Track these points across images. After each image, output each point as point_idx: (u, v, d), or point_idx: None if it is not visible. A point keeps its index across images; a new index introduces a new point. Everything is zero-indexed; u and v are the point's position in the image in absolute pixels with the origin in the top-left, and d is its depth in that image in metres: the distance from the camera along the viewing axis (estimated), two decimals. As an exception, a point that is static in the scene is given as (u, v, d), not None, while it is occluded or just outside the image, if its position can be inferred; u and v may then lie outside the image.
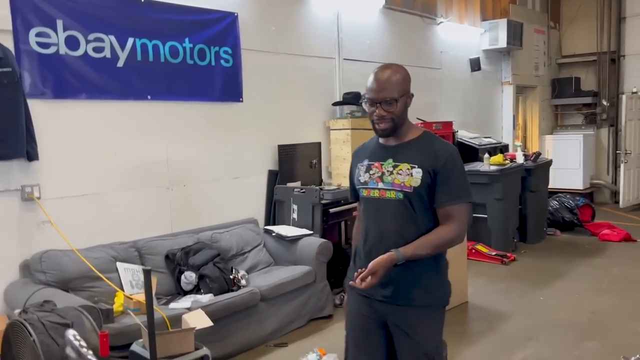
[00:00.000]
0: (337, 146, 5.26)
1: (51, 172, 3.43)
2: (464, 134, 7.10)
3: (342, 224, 4.90)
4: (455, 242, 1.95)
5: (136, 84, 3.87)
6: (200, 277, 3.64)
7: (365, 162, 2.05)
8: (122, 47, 3.79)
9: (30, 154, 3.29)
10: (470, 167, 6.13)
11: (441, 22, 7.01)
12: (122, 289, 3.39)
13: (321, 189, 4.76)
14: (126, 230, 3.78)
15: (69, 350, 2.13)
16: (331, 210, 4.55)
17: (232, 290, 3.65)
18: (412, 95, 1.97)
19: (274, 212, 4.76)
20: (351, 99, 5.31)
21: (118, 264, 3.50)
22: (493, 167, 5.93)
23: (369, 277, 1.81)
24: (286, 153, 4.87)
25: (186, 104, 4.19)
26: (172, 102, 4.09)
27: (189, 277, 3.63)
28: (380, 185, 1.97)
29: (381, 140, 2.04)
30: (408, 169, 1.93)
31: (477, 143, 6.92)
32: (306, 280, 4.02)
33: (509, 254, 5.82)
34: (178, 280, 3.66)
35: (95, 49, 3.65)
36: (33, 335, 2.25)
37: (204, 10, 4.28)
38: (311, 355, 3.32)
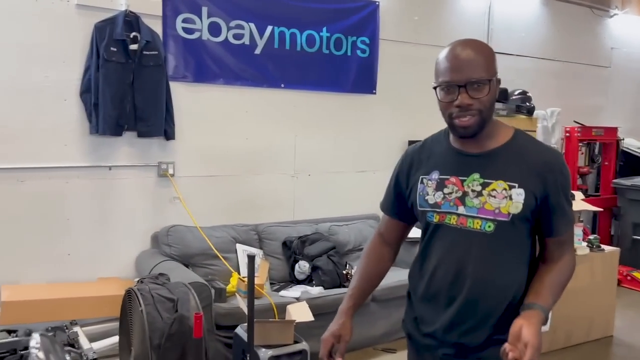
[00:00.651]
0: (475, 146, 4.88)
1: (185, 151, 3.63)
2: (632, 143, 6.18)
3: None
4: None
5: (271, 71, 3.94)
6: (314, 269, 3.61)
7: (435, 176, 1.47)
8: (261, 35, 3.86)
9: (168, 133, 3.50)
10: (636, 181, 5.33)
11: (615, 15, 6.16)
12: (238, 271, 3.48)
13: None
14: (249, 213, 3.88)
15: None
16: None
17: (344, 286, 3.56)
18: (500, 81, 1.42)
19: (399, 210, 4.56)
20: (499, 95, 4.88)
21: (237, 245, 3.61)
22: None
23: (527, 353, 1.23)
24: (418, 150, 4.63)
25: (318, 94, 4.17)
26: (304, 91, 4.10)
27: (302, 267, 3.62)
28: (461, 210, 1.41)
29: (455, 143, 1.47)
30: (505, 189, 1.38)
31: (646, 154, 6.00)
32: (423, 286, 3.78)
33: (674, 287, 4.96)
34: (292, 269, 3.68)
35: (235, 36, 3.77)
36: (142, 305, 2.37)
37: (345, -1, 4.21)
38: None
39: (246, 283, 3.27)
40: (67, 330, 3.07)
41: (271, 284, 3.61)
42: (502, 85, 5.07)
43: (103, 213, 3.40)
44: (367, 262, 1.65)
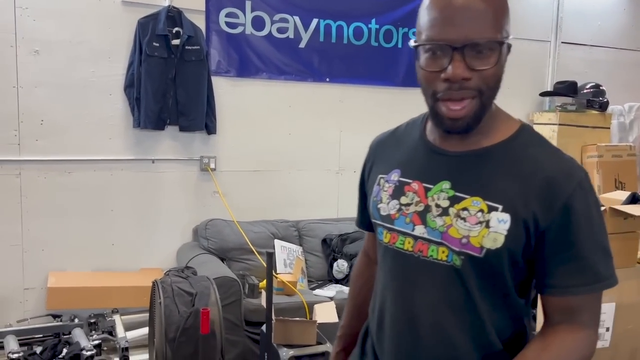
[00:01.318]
0: (539, 144, 4.53)
1: (227, 146, 3.64)
2: None
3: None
4: None
5: (316, 65, 3.86)
6: (352, 267, 3.49)
7: (394, 177, 1.06)
8: (306, 28, 3.79)
9: (210, 128, 3.52)
10: None
11: None
12: (275, 267, 3.44)
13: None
14: (290, 209, 3.83)
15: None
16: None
17: (384, 288, 3.42)
18: (510, 47, 0.97)
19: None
20: (564, 89, 4.51)
21: (276, 241, 3.56)
22: None
23: None
24: (474, 147, 4.38)
25: (365, 88, 4.03)
26: (350, 85, 3.98)
27: (340, 266, 3.51)
28: (420, 230, 0.99)
29: (431, 134, 1.05)
30: (482, 210, 0.94)
31: None
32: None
33: None
34: (331, 267, 3.58)
35: (279, 30, 3.72)
36: (161, 298, 2.38)
37: (395, -11, 4.05)
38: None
39: (278, 280, 3.24)
40: (107, 318, 3.18)
41: (309, 282, 3.54)
42: (567, 78, 4.68)
43: (146, 205, 3.48)
44: (354, 291, 1.31)
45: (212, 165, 3.59)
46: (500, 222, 0.92)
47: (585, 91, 4.53)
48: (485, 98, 0.94)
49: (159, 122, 3.34)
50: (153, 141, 3.46)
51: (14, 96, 3.10)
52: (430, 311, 0.98)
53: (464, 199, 0.96)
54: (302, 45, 3.80)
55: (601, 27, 4.95)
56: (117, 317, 3.15)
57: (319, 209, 3.94)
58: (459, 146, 1.00)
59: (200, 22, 3.46)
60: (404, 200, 1.03)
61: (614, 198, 2.76)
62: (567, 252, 0.93)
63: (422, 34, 0.95)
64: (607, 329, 2.89)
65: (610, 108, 4.58)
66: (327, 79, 3.91)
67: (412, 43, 0.98)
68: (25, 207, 3.18)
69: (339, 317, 2.82)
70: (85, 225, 3.34)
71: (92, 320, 3.17)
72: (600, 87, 4.55)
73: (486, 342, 0.97)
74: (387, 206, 1.05)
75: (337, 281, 3.53)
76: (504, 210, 0.93)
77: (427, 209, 0.99)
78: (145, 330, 3.03)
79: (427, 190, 1.00)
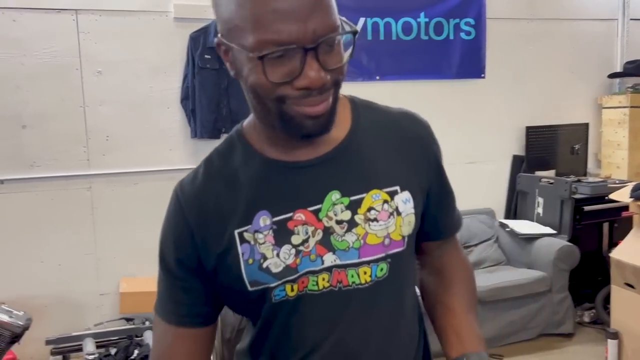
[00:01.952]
0: (609, 128, 4.26)
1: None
2: None
3: (605, 226, 3.97)
4: None
5: (365, 64, 3.84)
6: (410, 267, 3.45)
7: (266, 222, 0.82)
8: (353, 28, 3.79)
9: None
10: None
11: None
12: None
13: (579, 180, 3.97)
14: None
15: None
16: (586, 208, 3.73)
17: (444, 286, 3.35)
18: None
19: (516, 204, 4.17)
20: (635, 68, 4.22)
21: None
22: None
23: None
24: (537, 136, 4.19)
25: (417, 83, 3.97)
26: (401, 81, 3.93)
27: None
28: (331, 259, 0.82)
29: (273, 152, 0.84)
30: (387, 201, 0.84)
31: None
32: (537, 287, 3.41)
33: None
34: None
35: (327, 32, 3.74)
36: (217, 300, 2.47)
37: (443, -20, 3.96)
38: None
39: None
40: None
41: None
42: (638, 57, 4.37)
43: (207, 211, 3.61)
44: None
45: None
46: (406, 202, 0.85)
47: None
48: (339, 88, 0.79)
49: (215, 131, 3.46)
50: (210, 149, 3.56)
51: (81, 115, 3.33)
52: (376, 336, 0.85)
53: (362, 199, 0.83)
54: (350, 45, 3.80)
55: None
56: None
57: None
58: (312, 151, 0.84)
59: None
60: (296, 239, 0.81)
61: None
62: (448, 193, 0.96)
63: (254, 33, 0.70)
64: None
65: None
66: (377, 77, 3.89)
67: (234, 45, 0.74)
68: (97, 218, 3.41)
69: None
70: (152, 233, 3.48)
71: (162, 323, 3.33)
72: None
73: (414, 330, 0.94)
74: (278, 259, 0.81)
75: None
76: (402, 189, 0.86)
77: (328, 231, 0.82)
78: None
79: (316, 212, 0.82)
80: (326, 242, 0.82)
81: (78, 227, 3.37)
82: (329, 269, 0.82)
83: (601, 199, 3.73)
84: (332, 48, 0.74)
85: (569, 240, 3.58)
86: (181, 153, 3.54)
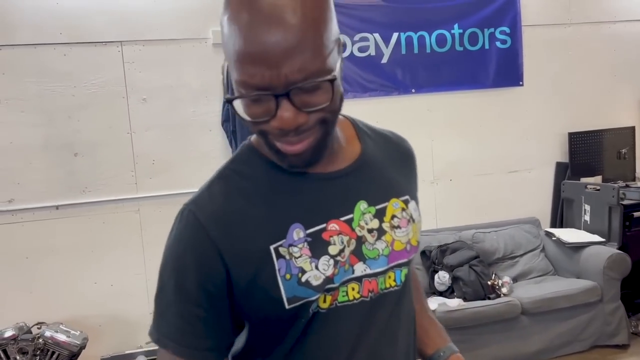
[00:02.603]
0: (658, 131, 4.13)
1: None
2: None
3: (657, 232, 3.83)
4: None
5: (400, 78, 3.87)
6: (454, 279, 3.42)
7: (300, 234, 0.81)
8: (387, 43, 3.83)
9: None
10: None
11: None
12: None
13: (627, 185, 3.86)
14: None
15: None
16: (636, 214, 3.62)
17: (489, 298, 3.31)
18: (345, 45, 0.77)
19: (562, 213, 4.08)
20: (682, 69, 4.08)
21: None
22: None
23: None
24: (581, 141, 4.10)
25: (453, 94, 3.96)
26: (437, 93, 3.94)
27: (442, 278, 3.45)
28: (361, 269, 0.84)
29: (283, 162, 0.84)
30: (403, 209, 0.90)
31: None
32: (588, 297, 3.32)
33: None
34: (432, 279, 3.53)
35: (360, 49, 3.80)
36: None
37: (476, -9, 3.96)
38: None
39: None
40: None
41: (412, 295, 3.52)
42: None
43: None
44: None
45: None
46: (415, 210, 0.93)
47: None
48: (330, 125, 0.78)
49: (255, 151, 3.55)
50: (251, 169, 3.67)
51: (128, 141, 3.48)
52: (398, 340, 0.89)
53: (385, 207, 0.88)
54: (384, 60, 3.84)
55: None
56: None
57: (417, 221, 3.91)
58: (333, 164, 0.87)
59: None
60: (333, 250, 0.81)
61: None
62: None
63: (231, 68, 0.73)
64: None
65: None
66: (413, 90, 3.90)
67: (225, 96, 0.79)
68: (145, 239, 3.54)
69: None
70: (197, 252, 3.62)
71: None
72: None
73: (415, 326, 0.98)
74: (317, 271, 0.80)
75: (440, 293, 3.47)
76: (411, 199, 0.93)
77: (360, 240, 0.84)
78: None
79: (349, 222, 0.84)
80: (358, 252, 0.84)
81: (128, 248, 3.51)
82: (358, 279, 0.84)
83: (651, 204, 3.62)
84: (316, 87, 0.72)
85: (619, 248, 3.48)
86: (223, 173, 3.64)
